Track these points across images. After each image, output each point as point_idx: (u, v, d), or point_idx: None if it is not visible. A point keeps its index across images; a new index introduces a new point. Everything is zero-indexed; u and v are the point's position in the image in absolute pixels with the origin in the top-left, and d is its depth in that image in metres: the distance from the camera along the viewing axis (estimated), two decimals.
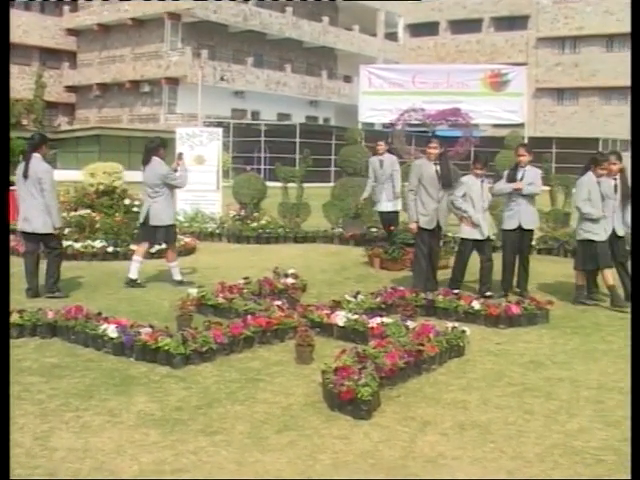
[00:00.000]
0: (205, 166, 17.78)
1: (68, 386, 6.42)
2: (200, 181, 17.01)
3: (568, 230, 16.04)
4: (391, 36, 74.02)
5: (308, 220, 17.67)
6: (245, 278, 10.49)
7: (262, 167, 42.99)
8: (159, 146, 11.24)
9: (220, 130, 19.39)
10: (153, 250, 12.70)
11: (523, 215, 10.73)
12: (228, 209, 18.05)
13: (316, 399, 6.13)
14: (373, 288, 10.20)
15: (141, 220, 11.23)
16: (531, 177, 10.75)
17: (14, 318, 7.88)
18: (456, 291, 9.83)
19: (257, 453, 5.07)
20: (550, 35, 68.17)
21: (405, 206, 11.31)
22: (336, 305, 8.77)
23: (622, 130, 63.11)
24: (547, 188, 15.26)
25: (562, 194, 17.33)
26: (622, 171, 10.60)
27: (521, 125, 22.14)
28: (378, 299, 9.34)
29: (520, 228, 10.73)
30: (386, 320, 7.96)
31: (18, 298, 9.45)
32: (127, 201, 14.92)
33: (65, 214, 14.53)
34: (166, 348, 7.03)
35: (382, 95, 20.99)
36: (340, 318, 8.18)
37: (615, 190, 10.43)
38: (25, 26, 57.86)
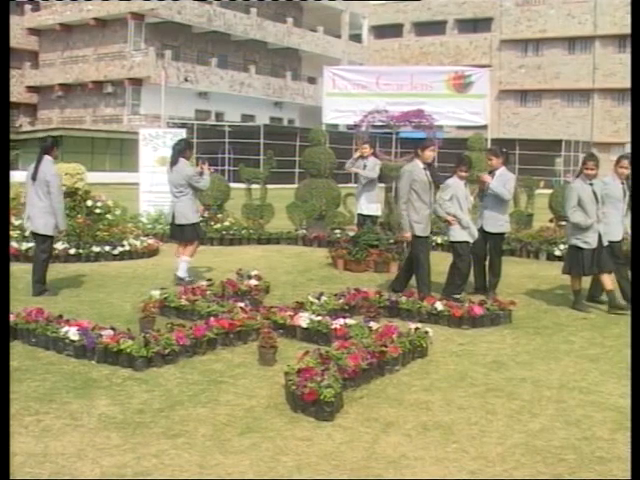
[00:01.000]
0: None
1: (28, 389, 6.34)
2: (163, 182, 16.80)
3: (531, 231, 16.19)
4: (355, 38, 74.32)
5: (272, 221, 17.66)
6: (208, 280, 10.45)
7: (226, 168, 42.85)
8: (187, 148, 11.64)
9: (184, 131, 19.31)
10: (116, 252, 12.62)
11: (487, 218, 10.81)
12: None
13: (279, 401, 6.12)
14: (337, 289, 10.20)
15: (169, 220, 11.52)
16: (500, 181, 10.78)
17: None
18: (458, 296, 9.90)
19: (219, 455, 5.05)
20: (513, 38, 68.81)
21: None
22: (299, 306, 8.75)
23: (584, 132, 63.94)
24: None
25: (525, 195, 17.48)
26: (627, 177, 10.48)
27: (484, 127, 22.33)
28: (341, 300, 9.34)
29: (483, 230, 10.80)
30: (349, 321, 7.96)
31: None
32: (89, 202, 14.76)
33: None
34: (128, 350, 6.98)
35: (346, 96, 21.08)
36: (303, 319, 8.16)
37: (624, 194, 10.39)
38: None
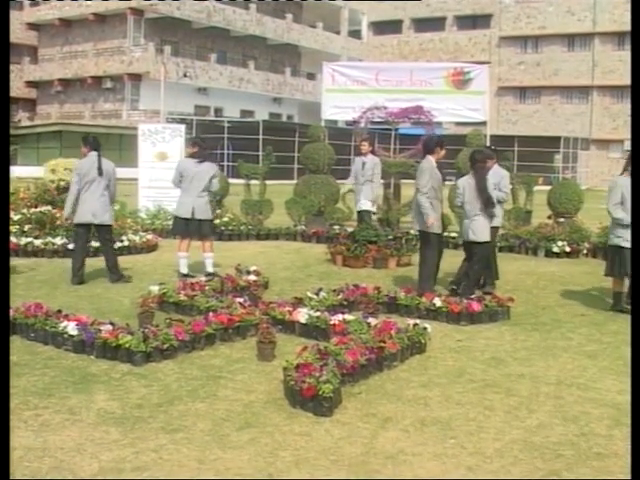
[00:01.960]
0: (167, 163, 17.57)
1: (27, 384, 6.35)
2: (162, 178, 16.87)
3: (529, 228, 16.20)
4: (355, 34, 74.25)
5: (271, 217, 17.66)
6: (207, 275, 10.44)
7: (225, 164, 42.84)
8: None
9: (183, 127, 19.28)
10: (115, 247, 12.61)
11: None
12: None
13: (277, 396, 6.13)
14: (335, 285, 10.21)
15: (182, 215, 11.33)
16: (494, 179, 10.77)
17: None
18: (473, 295, 9.77)
19: (218, 450, 5.06)
20: (513, 34, 68.68)
21: (420, 209, 10.29)
22: (298, 302, 8.77)
23: (582, 129, 63.92)
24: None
25: (523, 192, 17.47)
26: None
27: (483, 123, 22.30)
28: (340, 296, 9.34)
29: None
30: (348, 317, 7.97)
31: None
32: None
33: (25, 211, 14.40)
34: (127, 345, 6.99)
35: (345, 93, 21.05)
36: (302, 315, 8.18)
37: None
38: None
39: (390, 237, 13.99)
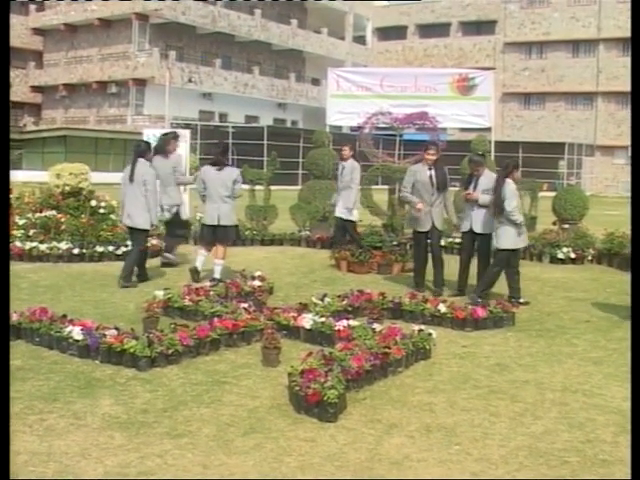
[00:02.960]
0: None
1: (32, 389, 6.35)
2: None
3: (534, 234, 16.17)
4: (359, 39, 74.32)
5: (275, 223, 17.65)
6: (212, 280, 10.44)
7: None
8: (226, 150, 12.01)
9: (187, 132, 19.29)
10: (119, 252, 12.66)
11: (475, 219, 10.80)
12: (195, 211, 17.95)
13: (282, 402, 6.13)
14: (340, 291, 10.20)
15: (210, 222, 11.29)
16: (485, 184, 10.76)
17: None
18: (480, 299, 9.93)
19: (223, 456, 5.06)
20: (517, 40, 68.68)
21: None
22: (303, 308, 8.75)
23: (587, 135, 63.90)
24: None
25: (528, 198, 17.46)
26: None
27: (488, 129, 22.30)
28: (345, 302, 9.34)
29: (472, 232, 10.82)
30: (353, 323, 7.97)
31: None
32: (93, 202, 14.78)
33: (30, 215, 14.41)
34: (132, 350, 6.99)
35: (350, 98, 21.06)
36: (307, 321, 8.17)
37: None
38: None
39: (395, 243, 13.98)
